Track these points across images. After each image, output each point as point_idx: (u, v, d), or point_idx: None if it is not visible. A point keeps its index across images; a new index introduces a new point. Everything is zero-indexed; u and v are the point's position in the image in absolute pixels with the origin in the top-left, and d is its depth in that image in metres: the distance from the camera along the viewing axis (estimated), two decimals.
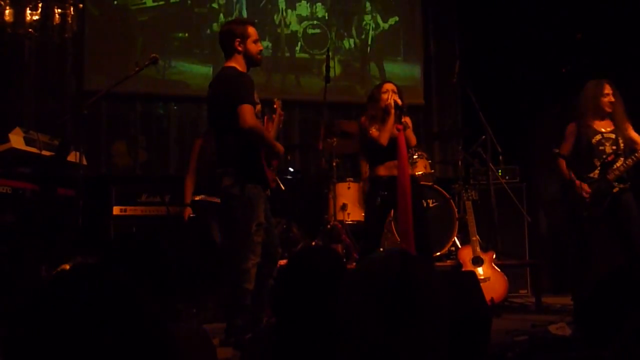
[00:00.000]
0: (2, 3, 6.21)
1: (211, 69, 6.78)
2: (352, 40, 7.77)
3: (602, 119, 5.02)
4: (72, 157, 4.74)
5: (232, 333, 3.92)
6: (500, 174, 6.42)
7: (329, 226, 5.94)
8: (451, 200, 6.29)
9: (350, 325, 1.32)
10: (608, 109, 4.98)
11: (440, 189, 6.36)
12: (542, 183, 7.11)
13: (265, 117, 4.47)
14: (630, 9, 6.51)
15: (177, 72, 7.08)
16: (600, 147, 4.97)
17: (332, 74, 5.87)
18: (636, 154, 4.88)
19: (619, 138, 4.96)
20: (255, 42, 4.27)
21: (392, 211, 5.51)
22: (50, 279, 1.07)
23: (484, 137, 6.03)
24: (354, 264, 5.45)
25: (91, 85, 6.56)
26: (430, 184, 6.35)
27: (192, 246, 5.37)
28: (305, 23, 7.61)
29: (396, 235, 5.91)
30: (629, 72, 5.26)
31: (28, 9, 6.45)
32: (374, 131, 5.00)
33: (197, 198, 5.53)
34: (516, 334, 4.05)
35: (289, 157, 6.47)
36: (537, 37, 7.33)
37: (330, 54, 5.83)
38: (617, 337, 1.26)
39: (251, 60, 4.27)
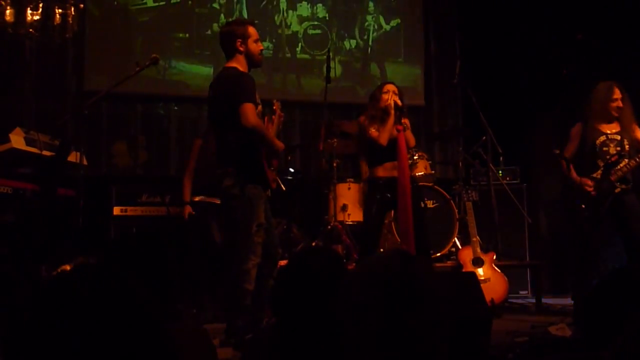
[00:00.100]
0: (3, 3, 6.21)
1: (212, 70, 6.78)
2: (352, 41, 7.77)
3: (610, 122, 5.03)
4: (73, 157, 4.74)
5: (232, 333, 3.92)
6: (500, 174, 6.43)
7: (329, 227, 5.94)
8: (451, 201, 6.29)
9: (350, 326, 1.32)
10: (615, 114, 4.99)
11: (441, 189, 6.36)
12: (542, 184, 7.11)
13: (266, 118, 4.47)
14: (630, 9, 6.51)
15: (177, 72, 7.08)
16: (604, 148, 4.98)
17: (332, 74, 5.88)
18: None
19: (625, 139, 4.96)
20: (256, 42, 4.27)
21: (392, 212, 5.52)
22: (51, 279, 1.07)
23: (484, 137, 6.03)
24: (354, 264, 5.45)
25: (92, 85, 6.57)
26: (430, 184, 6.35)
27: (192, 247, 5.37)
28: (305, 24, 7.61)
29: (396, 235, 5.91)
30: (629, 73, 5.26)
31: (29, 9, 6.45)
32: (373, 131, 5.00)
33: (196, 199, 5.53)
34: (516, 334, 4.05)
35: (289, 158, 6.47)
36: (538, 38, 7.33)
37: (330, 54, 5.83)
38: (617, 338, 1.26)
39: (252, 60, 4.27)
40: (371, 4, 7.86)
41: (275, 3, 7.52)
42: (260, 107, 4.21)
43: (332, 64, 5.99)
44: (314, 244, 5.92)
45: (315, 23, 7.65)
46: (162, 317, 1.07)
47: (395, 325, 1.26)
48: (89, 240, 4.39)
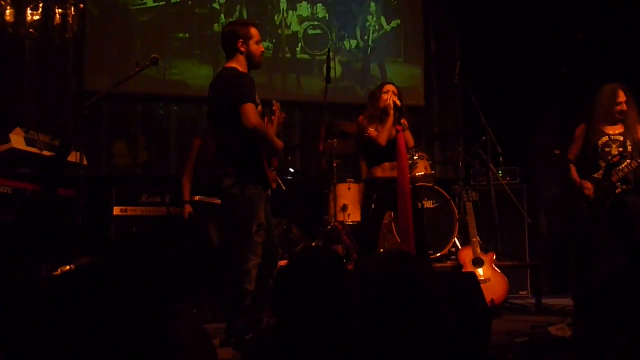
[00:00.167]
0: (3, 3, 6.22)
1: (212, 70, 6.78)
2: (353, 41, 7.77)
3: (614, 123, 5.04)
4: (73, 157, 4.74)
5: (232, 334, 3.92)
6: (500, 175, 6.43)
7: (329, 227, 5.94)
8: (452, 201, 6.29)
9: (350, 326, 1.32)
10: (619, 117, 5.00)
11: (441, 190, 6.36)
12: (542, 184, 7.12)
13: (265, 119, 4.47)
14: (630, 10, 6.51)
15: (177, 72, 7.08)
16: (607, 149, 4.99)
17: (332, 75, 5.87)
18: None
19: (628, 141, 4.97)
20: (257, 43, 4.28)
21: (392, 212, 5.51)
22: (55, 278, 1.08)
23: (484, 138, 6.03)
24: (354, 264, 5.45)
25: (92, 85, 6.57)
26: (430, 185, 6.35)
27: (192, 247, 5.37)
28: (306, 24, 7.61)
29: (396, 236, 5.91)
30: (629, 73, 5.26)
31: (29, 9, 6.46)
32: (372, 131, 5.01)
33: (196, 198, 5.53)
34: (516, 335, 4.05)
35: (289, 158, 6.47)
36: (538, 38, 7.34)
37: (331, 54, 5.83)
38: (618, 338, 1.26)
39: (252, 61, 4.27)
40: (373, 5, 7.86)
41: (275, 3, 7.52)
42: (260, 107, 4.21)
43: (332, 64, 5.99)
44: (314, 244, 5.93)
45: (316, 23, 7.65)
46: (165, 317, 1.07)
47: (395, 326, 1.26)
48: (89, 240, 4.39)
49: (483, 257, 5.51)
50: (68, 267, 4.52)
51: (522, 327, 4.41)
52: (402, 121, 5.00)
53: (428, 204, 6.34)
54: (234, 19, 7.10)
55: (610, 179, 4.93)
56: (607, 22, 6.70)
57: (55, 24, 6.67)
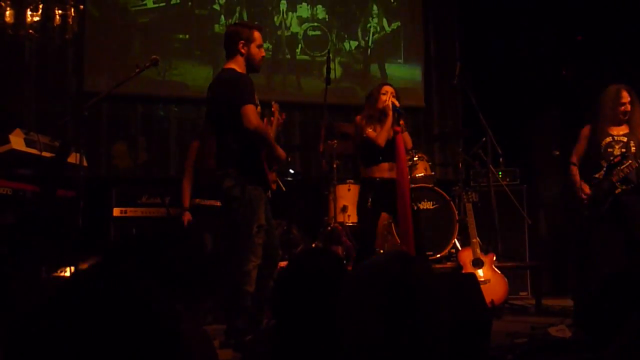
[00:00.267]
0: (3, 4, 6.22)
1: (212, 71, 6.78)
2: (352, 42, 7.77)
3: (618, 123, 5.05)
4: (73, 158, 4.74)
5: (232, 335, 3.92)
6: (500, 176, 6.43)
7: (329, 228, 5.94)
8: (451, 202, 6.29)
9: (350, 327, 1.32)
10: (623, 117, 5.01)
11: (441, 191, 6.36)
12: (542, 185, 7.12)
13: (265, 120, 4.47)
14: (630, 10, 6.52)
15: (177, 73, 7.08)
16: (609, 149, 5.00)
17: (332, 75, 5.87)
18: None
19: (631, 141, 4.98)
20: (258, 47, 4.28)
21: (389, 214, 5.51)
22: (67, 278, 1.08)
23: (484, 139, 6.03)
24: (352, 265, 5.45)
25: (91, 86, 6.57)
26: (430, 185, 6.35)
27: (191, 247, 5.37)
28: (305, 25, 7.61)
29: (396, 237, 5.91)
30: (629, 74, 5.27)
31: (29, 10, 6.46)
32: (370, 131, 5.01)
33: (195, 201, 5.54)
34: (516, 336, 4.05)
35: (289, 159, 6.47)
36: (537, 39, 7.34)
37: (330, 55, 5.84)
38: (617, 339, 1.26)
39: (252, 64, 4.28)
40: (375, 7, 7.86)
41: (275, 4, 7.52)
42: (259, 108, 4.21)
43: (332, 65, 5.99)
44: (314, 245, 5.92)
45: (315, 24, 7.65)
46: (174, 317, 1.07)
47: (395, 327, 1.26)
48: (89, 241, 4.39)
49: (483, 258, 5.51)
50: (68, 269, 4.53)
51: (522, 328, 4.41)
52: (400, 122, 5.01)
53: (428, 205, 6.35)
54: (234, 20, 7.11)
55: (611, 178, 4.94)
56: (607, 22, 6.70)
57: (55, 24, 6.67)
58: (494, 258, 5.55)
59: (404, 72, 7.92)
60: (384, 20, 7.89)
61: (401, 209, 4.89)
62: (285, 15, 7.54)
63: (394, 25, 7.91)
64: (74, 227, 4.24)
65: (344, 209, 6.09)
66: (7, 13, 6.35)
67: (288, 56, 7.54)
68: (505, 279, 5.46)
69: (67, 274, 4.59)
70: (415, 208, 5.91)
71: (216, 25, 7.21)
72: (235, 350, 3.73)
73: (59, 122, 5.62)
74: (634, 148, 4.97)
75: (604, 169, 4.98)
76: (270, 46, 7.37)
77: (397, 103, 5.01)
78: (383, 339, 1.26)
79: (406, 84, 7.79)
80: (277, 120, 4.54)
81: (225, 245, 4.53)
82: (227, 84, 4.14)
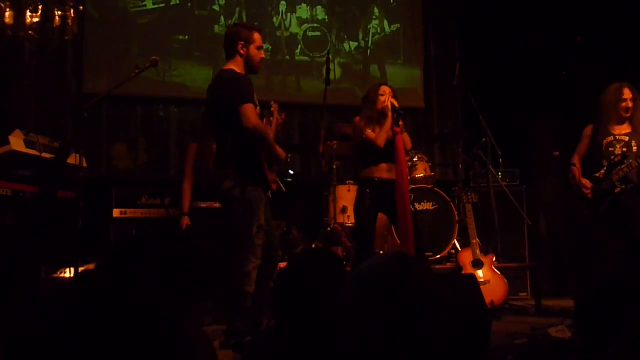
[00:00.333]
0: (2, 5, 6.21)
1: (212, 72, 6.77)
2: (352, 43, 7.77)
3: (620, 122, 5.04)
4: (73, 159, 4.74)
5: (232, 336, 3.92)
6: (500, 176, 6.43)
7: (329, 229, 5.94)
8: (451, 203, 6.29)
9: (350, 328, 1.32)
10: (624, 114, 5.01)
11: (441, 191, 6.36)
12: (542, 186, 7.12)
13: (264, 120, 4.47)
14: (630, 10, 6.52)
15: (177, 74, 7.08)
16: (610, 149, 5.01)
17: (332, 76, 5.88)
18: None
19: (633, 141, 4.98)
20: (258, 48, 4.28)
21: (386, 215, 5.51)
22: (73, 279, 1.08)
23: (484, 139, 6.03)
24: (352, 266, 5.45)
25: (91, 87, 6.57)
26: (430, 186, 6.35)
27: (191, 248, 5.37)
28: (305, 26, 7.61)
29: (396, 237, 5.91)
30: (629, 74, 5.27)
31: (28, 11, 6.45)
32: (370, 132, 5.01)
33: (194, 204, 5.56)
34: (516, 336, 4.05)
35: (289, 160, 6.47)
36: (537, 40, 7.34)
37: (330, 56, 5.84)
38: (617, 340, 1.26)
39: (251, 65, 4.27)
40: (376, 10, 7.86)
41: (274, 5, 7.52)
42: (258, 108, 4.21)
43: (331, 66, 5.99)
44: (313, 246, 5.93)
45: (315, 25, 7.65)
46: (181, 316, 1.07)
47: (394, 328, 1.26)
48: (88, 242, 4.39)
49: (483, 259, 5.51)
50: (68, 269, 4.53)
51: (521, 329, 4.41)
52: (399, 123, 5.01)
53: (427, 206, 6.35)
54: (234, 20, 7.10)
55: (611, 178, 4.94)
56: (607, 22, 6.70)
57: (55, 26, 6.66)
58: (494, 259, 5.55)
59: (404, 72, 7.92)
60: (385, 22, 7.89)
61: (401, 210, 4.88)
62: (284, 16, 7.54)
63: (394, 27, 7.92)
64: (73, 228, 4.24)
65: (344, 209, 6.09)
66: (7, 14, 6.34)
67: (287, 57, 7.54)
68: (505, 280, 5.46)
69: (67, 274, 4.59)
70: (413, 209, 5.91)
71: (216, 26, 7.22)
72: (235, 351, 3.72)
73: (59, 123, 5.62)
74: (635, 147, 4.97)
75: (605, 168, 4.98)
76: (270, 47, 7.37)
77: (396, 103, 5.01)
78: (383, 339, 1.26)
79: (406, 84, 7.80)
80: (277, 120, 4.54)
81: (225, 246, 4.53)
82: (226, 84, 4.14)
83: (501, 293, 5.38)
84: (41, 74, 6.62)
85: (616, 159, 4.95)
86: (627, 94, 5.01)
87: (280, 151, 4.29)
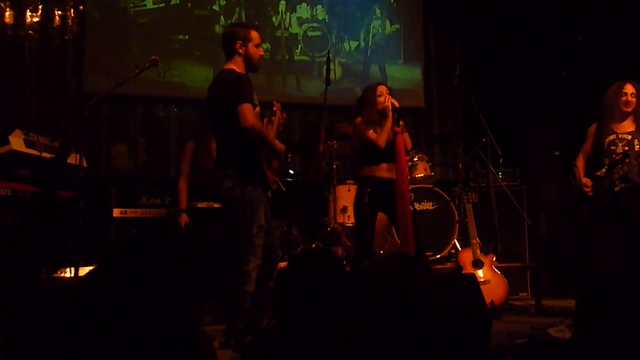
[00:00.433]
0: (2, 5, 6.22)
1: (212, 71, 6.77)
2: (352, 43, 7.77)
3: (623, 119, 5.04)
4: (72, 159, 4.73)
5: (232, 335, 3.92)
6: (500, 176, 6.42)
7: (329, 228, 5.94)
8: (451, 203, 6.29)
9: (350, 328, 1.32)
10: (625, 109, 5.00)
11: (441, 191, 6.37)
12: (542, 186, 7.12)
13: (265, 120, 4.47)
14: (630, 10, 6.52)
15: (177, 74, 7.08)
16: (612, 147, 5.01)
17: (332, 76, 5.87)
18: None
19: (635, 140, 4.98)
20: (256, 46, 4.27)
21: (386, 214, 5.51)
22: (83, 278, 1.08)
23: (484, 139, 6.03)
24: (351, 265, 5.44)
25: (91, 87, 6.56)
26: (430, 186, 6.35)
27: (191, 248, 5.37)
28: (305, 25, 7.61)
29: (396, 237, 5.91)
30: (629, 74, 5.26)
31: (28, 10, 6.46)
32: (371, 133, 5.01)
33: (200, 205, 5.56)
34: (516, 336, 4.05)
35: (289, 160, 6.48)
36: (537, 39, 7.34)
37: (330, 56, 5.83)
38: (617, 339, 1.26)
39: (250, 63, 4.27)
40: (378, 10, 7.86)
41: (274, 5, 7.52)
42: (258, 108, 4.20)
43: (331, 66, 5.99)
44: (313, 245, 5.93)
45: (315, 25, 7.65)
46: (190, 314, 1.08)
47: (394, 328, 1.26)
48: (88, 242, 4.39)
49: (483, 259, 5.51)
50: (68, 269, 4.53)
51: (521, 329, 4.41)
52: (400, 123, 5.01)
53: (428, 206, 6.35)
54: (233, 20, 7.10)
55: (611, 176, 4.94)
56: (607, 22, 6.70)
57: (55, 25, 6.66)
58: (494, 259, 5.56)
59: (404, 72, 7.92)
60: (387, 22, 7.89)
61: (401, 210, 4.89)
62: (284, 16, 7.54)
63: (394, 27, 7.91)
64: (73, 228, 4.24)
65: (344, 209, 6.09)
66: (7, 14, 6.35)
67: (287, 57, 7.54)
68: (505, 280, 5.46)
69: (67, 274, 4.59)
70: (412, 209, 5.91)
71: (216, 26, 7.21)
72: (235, 351, 3.72)
73: (59, 123, 5.61)
74: (637, 146, 4.96)
75: (606, 166, 4.99)
76: (270, 47, 7.37)
77: (396, 103, 5.01)
78: (382, 339, 1.26)
79: (406, 84, 7.80)
80: (279, 119, 4.54)
81: (225, 246, 4.53)
82: (225, 83, 4.14)
83: (501, 293, 5.39)
84: (41, 73, 6.61)
85: (617, 158, 4.95)
86: (629, 88, 5.01)
87: (279, 146, 4.29)
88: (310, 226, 6.44)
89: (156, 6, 7.09)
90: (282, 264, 4.44)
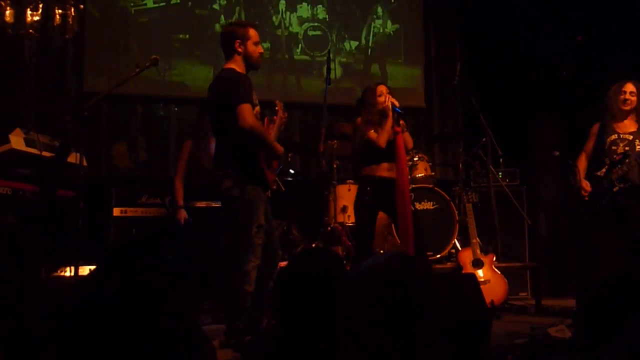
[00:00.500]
0: (3, 4, 6.22)
1: (212, 71, 6.77)
2: (353, 42, 7.77)
3: (623, 119, 5.04)
4: (73, 158, 4.73)
5: (232, 335, 3.92)
6: (500, 176, 6.43)
7: (329, 228, 5.94)
8: (451, 203, 6.29)
9: (350, 328, 1.32)
10: (623, 107, 5.00)
11: (441, 191, 6.36)
12: (542, 186, 7.12)
13: (266, 119, 4.47)
14: (630, 10, 6.52)
15: (177, 73, 7.08)
16: (613, 147, 5.01)
17: (332, 76, 5.87)
18: None
19: (637, 140, 4.99)
20: (255, 44, 4.26)
21: (387, 214, 5.51)
22: (84, 277, 1.09)
23: (484, 139, 6.03)
24: (351, 265, 5.44)
25: (91, 86, 6.56)
26: (430, 186, 6.35)
27: (191, 248, 5.37)
28: (306, 25, 7.61)
29: (396, 237, 5.91)
30: (629, 74, 5.27)
31: (29, 9, 6.46)
32: (372, 133, 5.00)
33: (199, 204, 5.56)
34: (516, 336, 4.05)
35: (289, 159, 6.47)
36: (538, 39, 7.34)
37: (331, 55, 5.83)
38: (617, 339, 1.26)
39: (250, 62, 4.26)
40: (379, 9, 7.86)
41: (274, 4, 7.52)
42: (258, 108, 4.20)
43: (332, 65, 5.99)
44: (314, 245, 5.92)
45: (316, 24, 7.65)
46: (192, 312, 1.08)
47: (394, 327, 1.26)
48: (88, 241, 4.39)
49: (483, 259, 5.51)
50: (68, 269, 4.53)
51: (521, 328, 4.41)
52: (400, 122, 5.01)
53: (428, 205, 6.35)
54: (234, 19, 7.10)
55: (610, 176, 4.95)
56: (607, 22, 6.70)
57: (55, 24, 6.66)
58: (494, 258, 5.56)
59: (404, 72, 7.92)
60: (388, 22, 7.88)
61: (401, 209, 4.89)
62: (284, 15, 7.53)
63: (395, 26, 7.91)
64: (73, 227, 4.24)
65: (344, 209, 6.09)
66: (7, 13, 6.35)
67: (287, 56, 7.54)
68: (505, 280, 5.46)
69: (67, 274, 4.59)
70: (414, 209, 5.91)
71: (216, 25, 7.21)
72: (235, 351, 3.72)
73: (59, 122, 5.62)
74: (638, 147, 4.97)
75: (606, 166, 4.99)
76: (270, 46, 7.36)
77: (396, 103, 5.01)
78: (382, 338, 1.26)
79: (406, 84, 7.80)
80: (280, 119, 4.54)
81: (224, 246, 4.53)
82: (225, 83, 4.14)
83: (501, 292, 5.39)
84: (41, 72, 6.61)
85: (617, 158, 4.95)
86: (628, 87, 5.01)
87: (278, 148, 4.28)
88: (310, 226, 6.43)
89: (156, 5, 7.09)
90: (282, 264, 4.44)
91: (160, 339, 1.00)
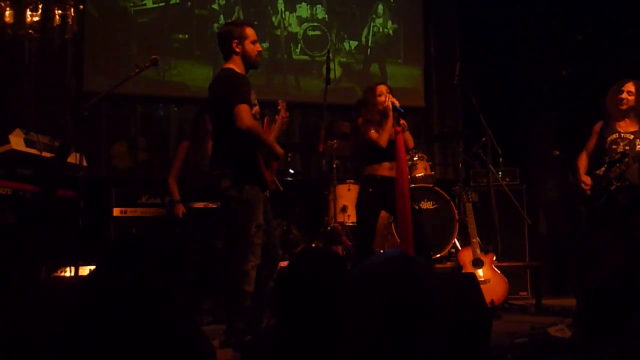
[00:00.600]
0: (2, 4, 6.22)
1: (211, 71, 6.77)
2: (352, 42, 7.77)
3: (624, 118, 5.05)
4: (73, 158, 4.74)
5: (231, 335, 3.92)
6: (500, 175, 6.43)
7: (329, 228, 5.94)
8: (451, 202, 6.29)
9: (350, 327, 1.32)
10: (622, 106, 5.00)
11: (441, 190, 6.37)
12: (542, 185, 7.12)
13: (266, 119, 4.46)
14: (630, 10, 6.52)
15: (177, 73, 7.07)
16: (614, 146, 5.02)
17: (332, 75, 5.87)
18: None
19: (637, 140, 4.99)
20: (253, 43, 4.25)
21: (389, 213, 5.52)
22: (84, 277, 1.09)
23: (484, 139, 6.03)
24: (351, 264, 5.45)
25: (91, 86, 6.55)
26: (430, 185, 6.35)
27: (191, 247, 5.37)
28: (305, 25, 7.61)
29: (396, 236, 5.91)
30: (629, 74, 5.27)
31: (28, 10, 6.46)
32: (373, 132, 5.01)
33: (199, 205, 5.56)
34: (516, 336, 4.05)
35: (289, 159, 6.48)
36: (538, 39, 7.34)
37: (330, 55, 5.82)
38: (617, 339, 1.26)
39: (249, 61, 4.25)
40: (380, 8, 7.86)
41: (273, 4, 7.51)
42: (256, 108, 4.19)
43: (331, 65, 5.99)
44: (314, 245, 5.92)
45: (315, 24, 7.65)
46: (193, 312, 1.09)
47: (395, 327, 1.26)
48: (88, 241, 4.39)
49: (483, 258, 5.51)
50: (68, 269, 4.53)
51: (521, 328, 4.41)
52: (401, 122, 5.01)
53: (428, 205, 6.35)
54: (233, 19, 7.09)
55: (609, 175, 4.95)
56: (607, 22, 6.70)
57: (55, 25, 6.66)
58: (494, 258, 5.56)
59: (404, 72, 7.92)
60: (389, 21, 7.89)
61: (400, 209, 4.89)
62: (283, 15, 7.53)
63: (394, 26, 7.91)
64: (74, 228, 4.24)
65: (344, 208, 6.09)
66: (7, 13, 6.35)
67: (287, 56, 7.54)
68: (505, 279, 5.46)
69: (67, 274, 4.59)
70: (417, 208, 5.91)
71: (215, 25, 7.20)
72: (234, 350, 3.73)
73: (59, 122, 5.62)
74: (638, 146, 4.97)
75: (606, 165, 5.00)
76: (269, 46, 7.36)
77: (396, 102, 5.01)
78: (383, 338, 1.26)
79: (406, 83, 7.80)
80: (282, 118, 4.53)
81: (224, 246, 4.53)
82: (223, 83, 4.13)
83: (501, 292, 5.39)
84: (41, 73, 6.61)
85: (616, 157, 4.96)
86: (628, 87, 5.02)
87: (277, 148, 4.28)
88: (310, 226, 6.44)
89: (156, 5, 7.09)
90: (282, 264, 4.44)
91: (161, 339, 1.00)
